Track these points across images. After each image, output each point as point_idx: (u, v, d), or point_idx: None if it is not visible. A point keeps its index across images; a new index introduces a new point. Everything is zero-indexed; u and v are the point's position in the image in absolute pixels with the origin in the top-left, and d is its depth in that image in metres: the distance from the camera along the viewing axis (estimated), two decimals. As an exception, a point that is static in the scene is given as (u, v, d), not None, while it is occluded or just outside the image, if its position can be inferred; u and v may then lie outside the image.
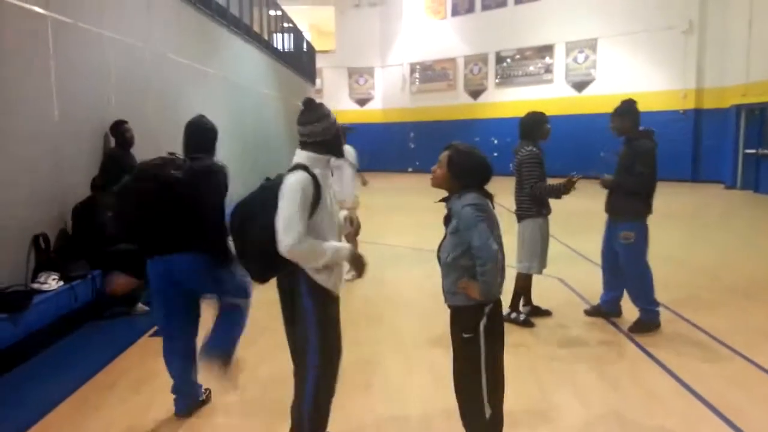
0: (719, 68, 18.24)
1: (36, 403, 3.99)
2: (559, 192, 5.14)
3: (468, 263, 2.84)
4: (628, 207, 5.14)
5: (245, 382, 4.25)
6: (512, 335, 5.02)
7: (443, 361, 4.30)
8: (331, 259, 2.78)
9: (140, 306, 5.96)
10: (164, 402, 3.96)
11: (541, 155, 5.27)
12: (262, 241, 2.71)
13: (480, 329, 2.85)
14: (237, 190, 3.06)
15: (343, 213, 3.15)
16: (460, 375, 2.98)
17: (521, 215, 5.33)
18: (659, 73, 19.65)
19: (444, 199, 3.00)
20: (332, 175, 6.29)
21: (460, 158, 2.93)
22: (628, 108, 5.17)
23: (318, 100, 2.94)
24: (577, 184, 5.08)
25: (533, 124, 5.33)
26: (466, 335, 2.90)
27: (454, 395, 3.02)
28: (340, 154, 2.95)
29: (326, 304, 2.83)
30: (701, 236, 10.19)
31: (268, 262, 2.77)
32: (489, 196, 2.98)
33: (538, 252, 5.29)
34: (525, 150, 5.24)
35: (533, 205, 5.25)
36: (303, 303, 2.80)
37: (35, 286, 4.98)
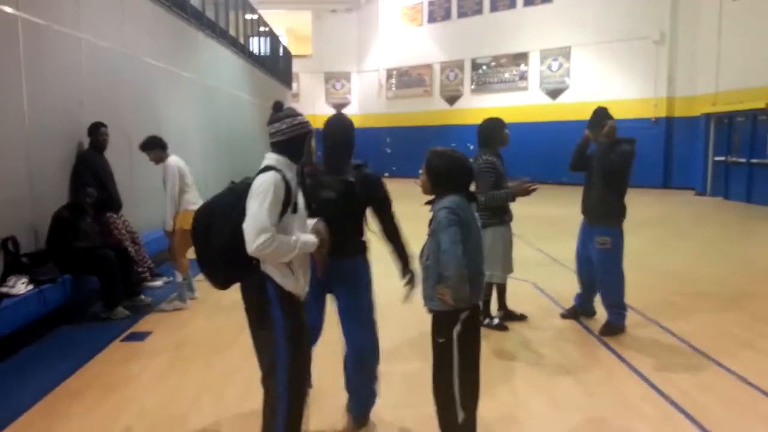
0: (690, 78, 18.59)
1: (1, 410, 3.89)
2: (510, 195, 5.08)
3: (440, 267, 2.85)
4: (604, 210, 5.21)
5: (221, 388, 4.22)
6: (485, 340, 5.02)
7: (418, 366, 4.31)
8: (300, 252, 2.72)
9: (120, 310, 5.86)
10: (135, 409, 3.91)
11: (499, 163, 5.24)
12: (228, 245, 2.65)
13: (453, 335, 2.87)
14: (212, 194, 2.99)
15: (311, 222, 3.01)
16: (435, 379, 3.00)
17: (483, 224, 5.31)
18: (631, 81, 19.96)
19: (429, 203, 3.01)
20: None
21: (437, 162, 2.96)
22: (602, 116, 5.23)
23: (292, 105, 2.90)
24: (535, 188, 5.02)
25: (491, 131, 5.32)
26: (440, 340, 2.92)
27: (428, 401, 3.03)
28: (296, 159, 2.84)
29: (294, 309, 2.80)
30: (672, 242, 10.35)
31: (232, 267, 2.71)
32: (474, 199, 3.00)
33: (499, 260, 5.29)
34: (481, 159, 5.21)
35: (494, 214, 5.24)
36: (271, 310, 2.73)
37: (4, 290, 4.87)
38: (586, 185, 5.43)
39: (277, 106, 2.87)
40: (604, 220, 5.22)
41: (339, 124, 3.58)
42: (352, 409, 3.65)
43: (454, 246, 2.76)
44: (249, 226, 2.57)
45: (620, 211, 5.23)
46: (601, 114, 5.25)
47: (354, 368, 3.55)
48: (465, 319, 2.88)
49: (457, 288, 2.78)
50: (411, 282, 3.46)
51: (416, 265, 3.23)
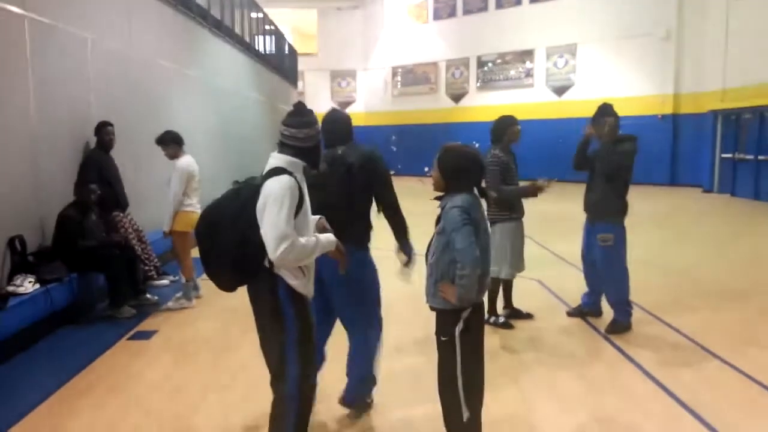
0: (697, 74, 18.50)
1: (8, 409, 3.91)
2: (525, 193, 5.22)
3: (449, 266, 2.85)
4: (606, 207, 5.21)
5: (227, 386, 4.24)
6: (491, 338, 5.04)
7: (424, 364, 4.32)
8: (319, 253, 2.74)
9: (127, 308, 5.88)
10: (141, 408, 3.93)
11: (507, 158, 5.27)
12: (235, 249, 2.63)
13: (456, 333, 2.87)
14: (219, 194, 2.97)
15: (315, 218, 2.98)
16: (440, 377, 3.00)
17: (492, 220, 5.34)
18: (638, 78, 19.88)
19: (438, 198, 3.01)
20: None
21: (447, 158, 2.96)
22: (605, 113, 5.22)
23: (307, 107, 2.88)
24: (548, 187, 5.13)
25: (501, 127, 5.36)
26: (443, 338, 2.92)
27: (434, 399, 3.03)
28: (314, 166, 2.86)
29: (305, 309, 2.79)
30: (679, 239, 10.31)
31: (240, 271, 2.70)
32: (485, 196, 3.00)
33: (507, 256, 5.30)
34: (490, 154, 5.24)
35: (503, 210, 5.27)
36: (283, 309, 2.71)
37: (10, 288, 4.91)
38: (588, 183, 5.43)
39: (300, 108, 2.81)
40: (605, 217, 5.22)
41: (335, 119, 3.63)
42: (346, 391, 3.70)
43: (472, 246, 2.75)
44: (269, 234, 2.53)
45: (622, 208, 5.23)
46: (604, 110, 5.25)
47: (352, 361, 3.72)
48: (467, 317, 2.88)
49: (469, 288, 2.78)
50: (407, 264, 3.78)
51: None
